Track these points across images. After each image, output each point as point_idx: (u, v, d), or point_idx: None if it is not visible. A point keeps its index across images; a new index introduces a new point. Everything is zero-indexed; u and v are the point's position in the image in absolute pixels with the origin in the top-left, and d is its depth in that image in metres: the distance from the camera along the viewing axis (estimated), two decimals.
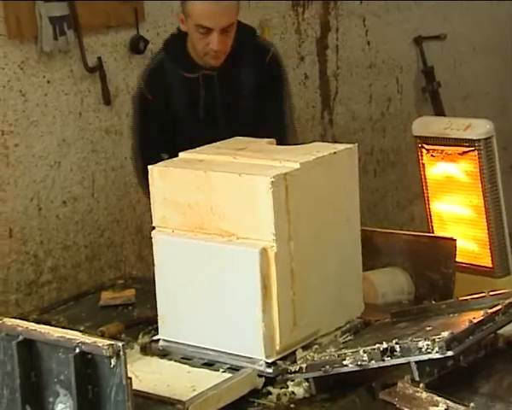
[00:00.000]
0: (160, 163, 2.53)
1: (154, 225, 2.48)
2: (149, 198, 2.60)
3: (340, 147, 2.49)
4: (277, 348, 2.30)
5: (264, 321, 2.28)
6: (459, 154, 4.15)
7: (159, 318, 2.49)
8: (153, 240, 2.47)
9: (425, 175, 4.33)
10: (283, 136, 3.07)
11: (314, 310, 2.39)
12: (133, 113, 3.38)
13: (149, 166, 2.48)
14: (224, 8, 3.07)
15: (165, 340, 2.48)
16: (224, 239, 2.34)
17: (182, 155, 2.58)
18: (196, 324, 2.42)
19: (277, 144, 2.66)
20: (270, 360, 2.29)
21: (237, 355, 2.34)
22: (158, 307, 2.49)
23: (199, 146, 2.88)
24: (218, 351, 2.37)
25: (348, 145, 2.50)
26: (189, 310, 2.43)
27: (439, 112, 5.08)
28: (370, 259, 2.76)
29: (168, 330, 2.47)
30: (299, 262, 2.32)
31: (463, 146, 4.11)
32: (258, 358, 2.30)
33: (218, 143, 2.67)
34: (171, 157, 2.66)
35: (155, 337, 2.50)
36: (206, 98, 3.18)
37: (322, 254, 2.41)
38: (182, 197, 2.40)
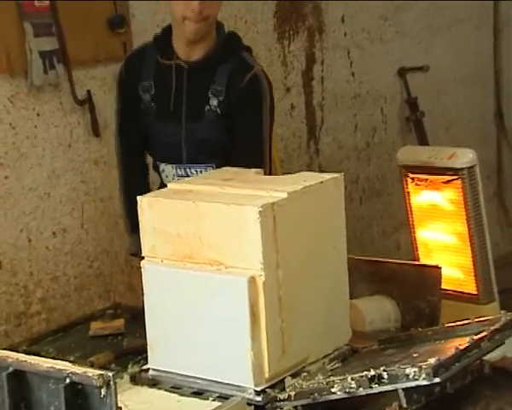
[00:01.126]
0: (149, 194, 2.53)
1: (143, 254, 2.48)
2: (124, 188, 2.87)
3: (327, 176, 2.49)
4: (266, 375, 2.29)
5: (253, 349, 2.27)
6: (443, 182, 4.17)
7: (148, 347, 2.47)
8: (142, 270, 2.46)
9: (410, 203, 4.34)
10: (253, 163, 2.87)
11: (302, 337, 2.38)
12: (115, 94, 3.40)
13: (139, 197, 2.47)
14: None
15: (154, 369, 2.47)
16: (213, 268, 2.33)
17: (170, 185, 2.58)
18: (185, 352, 2.41)
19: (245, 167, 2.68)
20: (259, 388, 2.28)
21: (227, 384, 2.34)
22: (147, 335, 2.47)
23: (158, 141, 3.00)
24: (208, 380, 2.37)
25: (334, 175, 2.50)
26: (178, 339, 2.42)
27: (423, 141, 5.10)
28: (357, 287, 2.76)
29: (157, 359, 2.46)
30: (288, 290, 2.31)
31: (447, 175, 4.13)
32: (247, 386, 2.28)
33: (207, 173, 2.70)
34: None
35: (145, 367, 2.49)
36: (176, 89, 3.14)
37: (309, 281, 2.40)
38: (171, 227, 2.39)
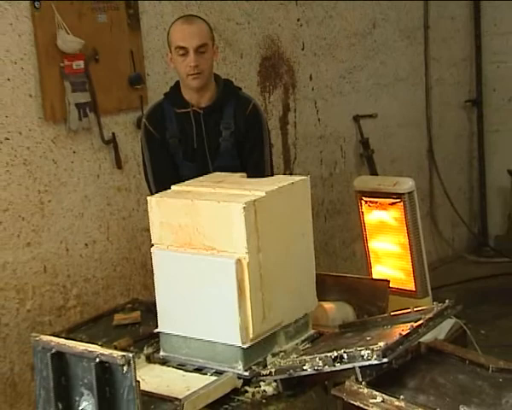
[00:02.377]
0: (156, 195, 2.53)
1: (152, 242, 2.47)
2: None
3: (297, 178, 2.49)
4: (251, 336, 2.29)
5: (240, 316, 2.27)
6: (389, 204, 4.18)
7: (158, 315, 2.47)
8: (152, 254, 2.46)
9: (363, 220, 4.35)
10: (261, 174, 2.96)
11: (279, 306, 2.38)
12: (142, 148, 3.19)
13: (148, 198, 2.47)
14: (196, 30, 3.01)
15: (164, 351, 2.47)
16: (208, 253, 2.33)
17: (173, 187, 2.57)
18: (187, 318, 2.40)
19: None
20: (245, 346, 2.28)
21: (221, 363, 2.33)
22: (157, 305, 2.47)
23: (191, 175, 2.84)
24: (206, 359, 2.36)
25: (303, 177, 2.51)
26: (181, 308, 2.41)
27: (373, 172, 5.11)
28: (324, 295, 2.75)
29: (165, 323, 2.45)
30: (267, 269, 2.32)
31: (392, 198, 4.14)
32: (236, 344, 2.29)
33: (201, 177, 2.68)
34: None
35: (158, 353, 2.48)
36: (197, 131, 3.11)
37: (284, 262, 2.40)
38: (174, 221, 2.39)
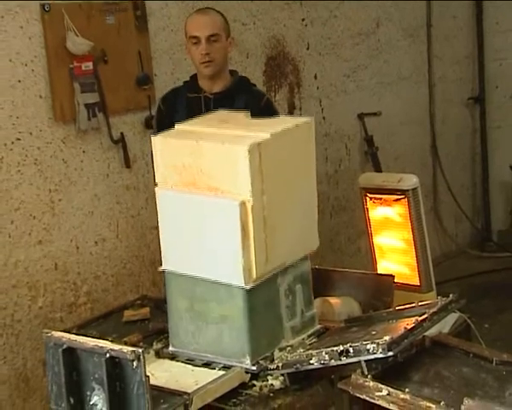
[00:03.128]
0: (160, 134, 2.46)
1: (156, 182, 2.41)
2: None
3: (301, 120, 2.42)
4: (254, 277, 2.25)
5: (244, 257, 2.23)
6: (393, 200, 4.17)
7: (162, 254, 2.44)
8: (156, 194, 2.40)
9: (368, 216, 4.34)
10: None
11: (281, 247, 2.33)
12: (153, 128, 3.36)
13: (152, 137, 2.43)
14: (209, 20, 3.12)
15: (173, 346, 2.47)
16: (212, 194, 2.27)
17: (177, 127, 2.51)
18: (192, 258, 2.36)
19: None
20: (248, 287, 2.24)
21: (228, 357, 2.33)
22: (161, 244, 2.42)
23: None
24: (214, 354, 2.36)
25: (307, 119, 2.43)
26: (186, 248, 2.37)
27: (378, 169, 5.10)
28: (330, 290, 2.75)
29: (170, 263, 2.40)
30: (270, 212, 2.26)
31: (397, 194, 4.13)
32: (239, 285, 2.25)
33: (206, 116, 2.59)
34: None
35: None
36: (206, 113, 3.07)
37: (287, 204, 2.35)
38: (178, 161, 2.33)
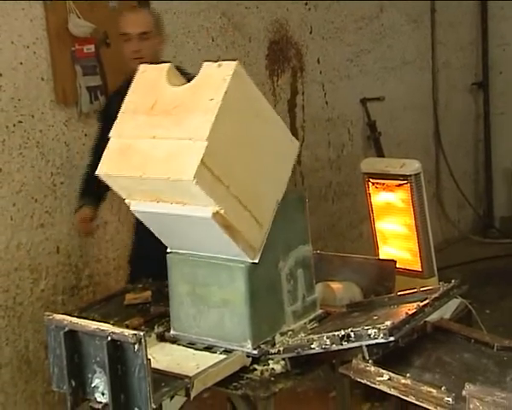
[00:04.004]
0: (100, 170, 2.30)
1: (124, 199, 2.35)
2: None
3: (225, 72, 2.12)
4: (258, 247, 2.25)
5: (239, 243, 2.20)
6: (396, 186, 4.15)
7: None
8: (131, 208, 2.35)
9: (371, 202, 4.33)
10: None
11: (266, 207, 2.28)
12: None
13: (98, 171, 2.30)
14: (140, 18, 3.22)
15: (175, 330, 2.47)
16: (180, 206, 2.20)
17: (111, 143, 2.31)
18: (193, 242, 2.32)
19: None
20: (255, 260, 2.24)
21: (230, 341, 2.33)
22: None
23: None
24: (216, 338, 2.36)
25: (229, 66, 2.13)
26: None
27: (380, 154, 5.09)
28: (331, 275, 2.74)
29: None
30: (242, 191, 2.17)
31: (399, 180, 4.12)
32: (244, 260, 2.24)
33: (129, 102, 2.32)
34: None
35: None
36: None
37: (257, 167, 2.23)
38: (132, 188, 2.27)
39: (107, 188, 2.42)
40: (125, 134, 2.27)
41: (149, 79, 2.31)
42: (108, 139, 2.95)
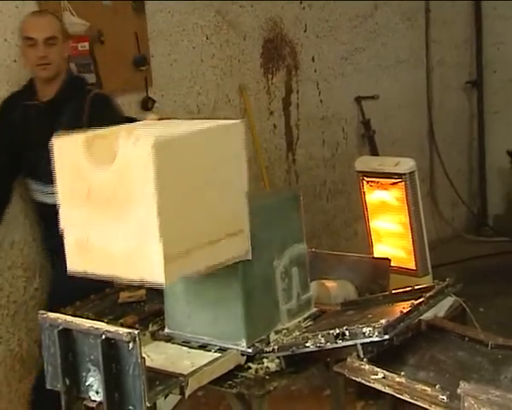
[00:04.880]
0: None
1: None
2: None
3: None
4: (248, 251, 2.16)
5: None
6: (390, 184, 4.16)
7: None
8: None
9: (365, 200, 4.34)
10: None
11: (238, 216, 2.16)
12: None
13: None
14: (46, 22, 3.09)
15: (169, 328, 2.46)
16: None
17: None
18: None
19: None
20: (249, 257, 2.18)
21: (224, 340, 2.32)
22: None
23: (29, 166, 2.82)
24: (210, 336, 2.36)
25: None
26: None
27: (375, 153, 5.10)
28: (326, 273, 2.73)
29: None
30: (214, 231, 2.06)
31: (394, 178, 4.13)
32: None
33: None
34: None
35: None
36: (40, 122, 3.08)
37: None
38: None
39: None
40: (77, 225, 2.08)
41: (69, 159, 2.07)
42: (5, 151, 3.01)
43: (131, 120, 2.93)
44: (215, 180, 2.10)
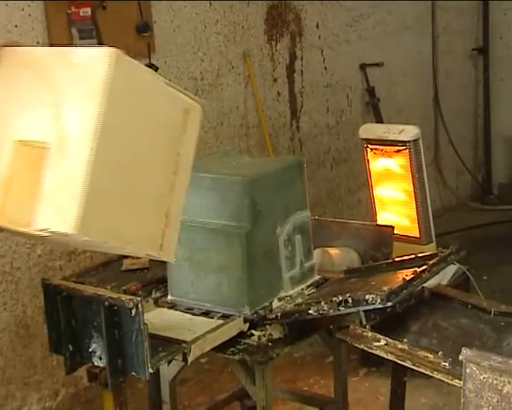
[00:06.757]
0: None
1: None
2: None
3: None
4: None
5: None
6: (395, 152, 4.13)
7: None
8: None
9: (369, 168, 4.31)
10: None
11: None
12: None
13: None
14: None
15: (172, 295, 2.46)
16: None
17: None
18: None
19: None
20: None
21: (227, 307, 2.32)
22: None
23: None
24: (213, 303, 2.36)
25: None
26: None
27: (379, 120, 5.06)
28: (329, 241, 2.72)
29: None
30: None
31: (398, 146, 4.09)
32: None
33: None
34: None
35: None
36: None
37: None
38: None
39: None
40: None
41: None
42: None
43: None
44: (156, 151, 1.93)
